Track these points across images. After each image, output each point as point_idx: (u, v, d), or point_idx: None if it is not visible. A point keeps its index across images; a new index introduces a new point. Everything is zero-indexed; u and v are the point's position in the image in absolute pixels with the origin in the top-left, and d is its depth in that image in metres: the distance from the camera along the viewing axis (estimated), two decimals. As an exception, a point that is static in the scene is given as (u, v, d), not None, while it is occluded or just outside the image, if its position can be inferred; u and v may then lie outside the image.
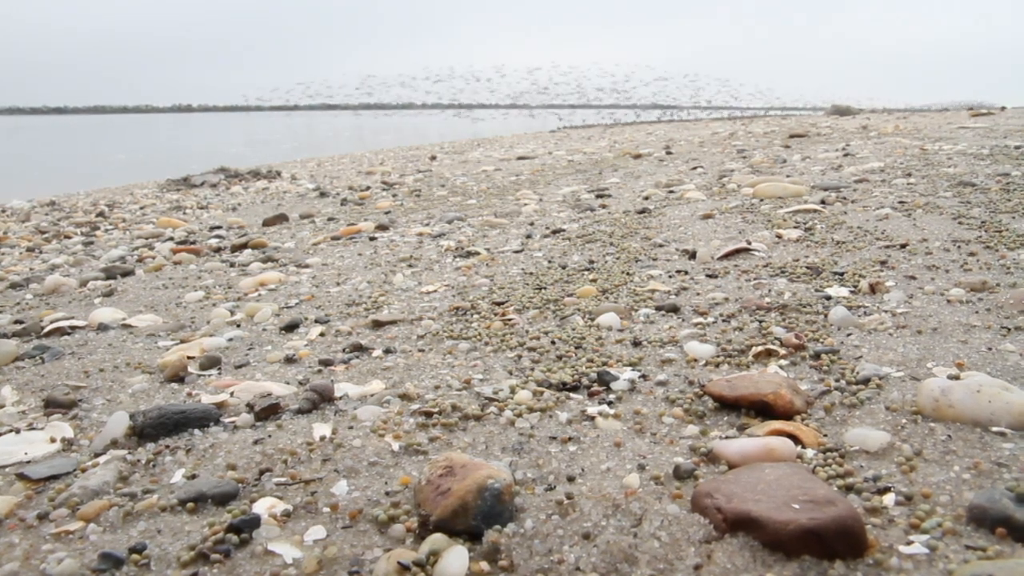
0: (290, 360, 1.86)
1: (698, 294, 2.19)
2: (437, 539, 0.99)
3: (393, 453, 1.28)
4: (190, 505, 1.14)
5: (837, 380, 1.50)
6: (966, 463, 1.14)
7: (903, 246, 2.54)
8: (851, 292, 2.09)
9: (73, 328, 2.31)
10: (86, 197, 6.90)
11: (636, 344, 1.80)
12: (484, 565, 0.95)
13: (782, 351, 1.66)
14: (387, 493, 1.15)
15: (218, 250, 3.64)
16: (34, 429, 1.50)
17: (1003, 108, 11.20)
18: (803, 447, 1.22)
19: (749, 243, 2.69)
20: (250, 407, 1.52)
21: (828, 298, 2.04)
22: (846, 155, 5.14)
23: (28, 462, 1.35)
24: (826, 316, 1.90)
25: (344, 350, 1.92)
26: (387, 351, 1.87)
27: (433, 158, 8.62)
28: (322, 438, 1.34)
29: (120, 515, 1.13)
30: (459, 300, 2.32)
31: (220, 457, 1.31)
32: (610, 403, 1.46)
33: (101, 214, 5.36)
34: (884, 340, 1.71)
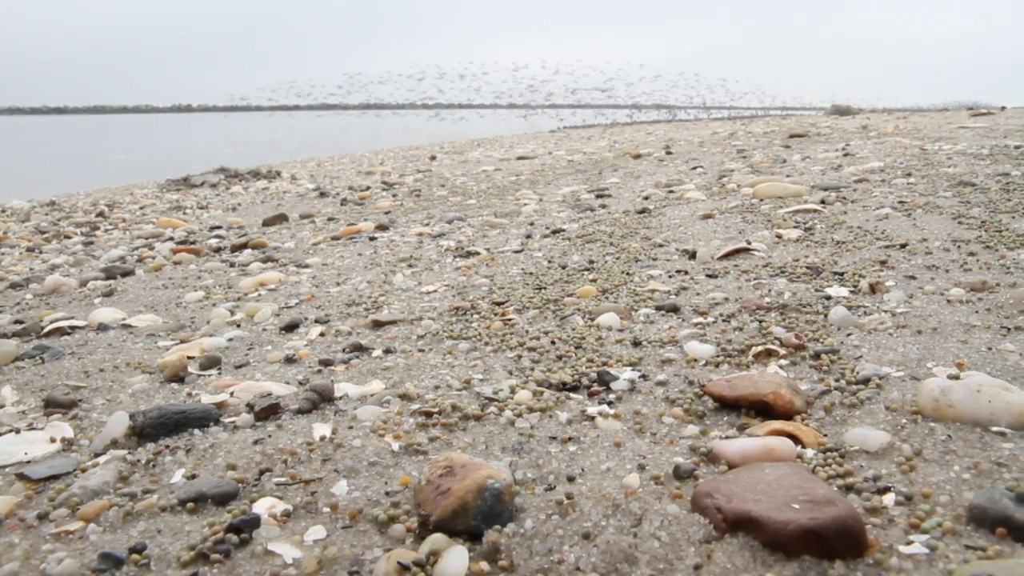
0: (290, 360, 1.87)
1: (698, 294, 2.19)
2: (437, 539, 0.99)
3: (393, 453, 1.28)
4: (190, 505, 1.14)
5: (837, 380, 1.50)
6: (966, 463, 1.14)
7: (903, 246, 2.54)
8: (851, 292, 2.09)
9: (73, 328, 2.31)
10: (86, 197, 6.90)
11: (636, 344, 1.80)
12: (484, 565, 0.95)
13: (782, 351, 1.66)
14: (387, 493, 1.15)
15: (218, 250, 3.64)
16: (34, 429, 1.50)
17: (1003, 108, 11.20)
18: (803, 447, 1.22)
19: (749, 243, 2.69)
20: (250, 407, 1.52)
21: (828, 298, 2.04)
22: (846, 155, 5.14)
23: (28, 462, 1.35)
24: (826, 316, 1.90)
25: (344, 350, 1.92)
26: (387, 351, 1.87)
27: (433, 158, 8.62)
28: (322, 438, 1.34)
29: (120, 515, 1.13)
30: (459, 300, 2.32)
31: (220, 457, 1.31)
32: (610, 403, 1.46)
33: (101, 214, 5.36)
34: (884, 340, 1.71)
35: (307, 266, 3.08)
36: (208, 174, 7.46)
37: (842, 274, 2.26)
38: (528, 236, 3.30)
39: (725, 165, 5.32)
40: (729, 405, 1.40)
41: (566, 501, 1.08)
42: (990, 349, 1.60)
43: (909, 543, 0.95)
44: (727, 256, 2.60)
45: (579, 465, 1.21)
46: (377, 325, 2.11)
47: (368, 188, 5.73)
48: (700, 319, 1.95)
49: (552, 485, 1.14)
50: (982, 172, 3.87)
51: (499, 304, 2.23)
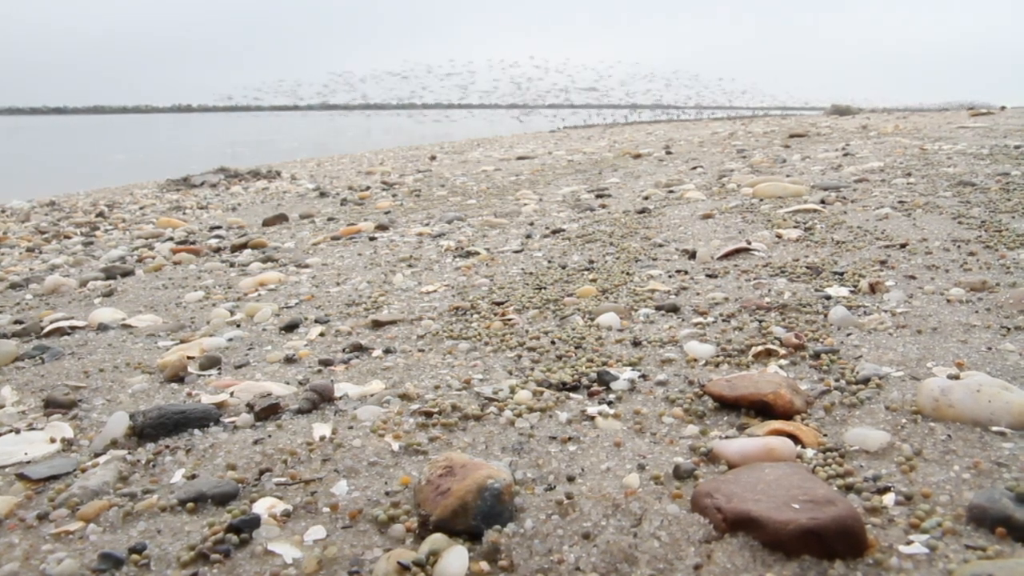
0: (290, 360, 1.87)
1: (698, 294, 2.19)
2: (437, 539, 0.99)
3: (393, 453, 1.28)
4: (190, 505, 1.14)
5: (837, 380, 1.50)
6: (966, 463, 1.14)
7: (903, 246, 2.54)
8: (851, 292, 2.09)
9: (73, 328, 2.31)
10: (86, 197, 6.90)
11: (636, 344, 1.80)
12: (484, 565, 0.95)
13: (782, 351, 1.66)
14: (387, 493, 1.15)
15: (218, 250, 3.64)
16: (34, 429, 1.50)
17: (1003, 108, 11.20)
18: (803, 447, 1.22)
19: (749, 243, 2.69)
20: (250, 407, 1.52)
21: (828, 298, 2.04)
22: (846, 155, 5.14)
23: (28, 462, 1.35)
24: (826, 316, 1.90)
25: (344, 350, 1.92)
26: (387, 351, 1.87)
27: (433, 158, 8.62)
28: (322, 438, 1.34)
29: (120, 515, 1.13)
30: (459, 300, 2.32)
31: (220, 457, 1.31)
32: (610, 403, 1.46)
33: (101, 214, 5.36)
34: (884, 340, 1.71)
35: (307, 266, 3.08)
36: (208, 174, 7.46)
37: (842, 274, 2.26)
38: (528, 236, 3.30)
39: (725, 165, 5.32)
40: (729, 405, 1.40)
41: (566, 501, 1.08)
42: (990, 349, 1.60)
43: (909, 543, 0.95)
44: (727, 256, 2.60)
45: (579, 465, 1.21)
46: (377, 325, 2.11)
47: (368, 188, 5.73)
48: (700, 319, 1.95)
49: (552, 485, 1.14)
50: (982, 172, 3.87)
51: (499, 304, 2.23)
